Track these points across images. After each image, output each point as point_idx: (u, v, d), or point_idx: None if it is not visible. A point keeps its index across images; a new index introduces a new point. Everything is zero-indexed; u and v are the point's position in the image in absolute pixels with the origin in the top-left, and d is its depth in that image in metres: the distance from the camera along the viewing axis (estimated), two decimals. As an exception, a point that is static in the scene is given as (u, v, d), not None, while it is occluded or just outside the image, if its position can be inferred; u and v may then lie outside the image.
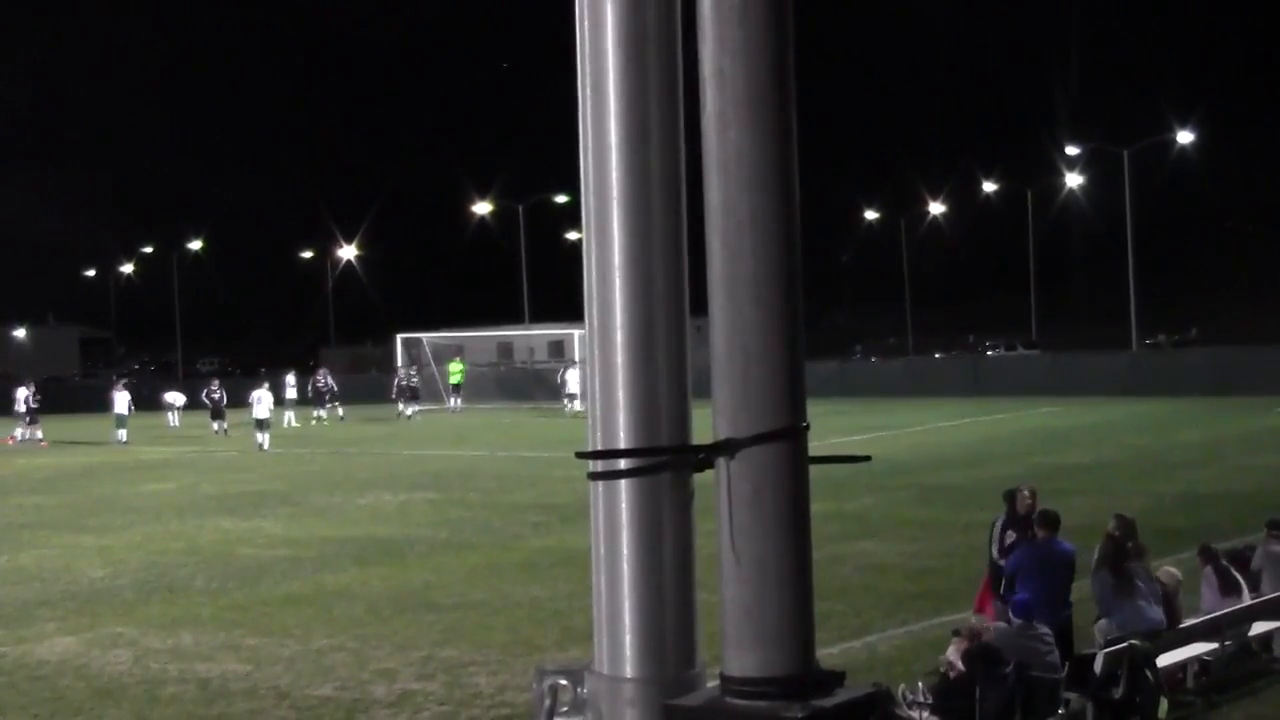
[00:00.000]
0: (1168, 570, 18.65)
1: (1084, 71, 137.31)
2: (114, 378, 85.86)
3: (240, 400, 62.88)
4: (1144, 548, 18.49)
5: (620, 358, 3.31)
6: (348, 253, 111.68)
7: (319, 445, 55.10)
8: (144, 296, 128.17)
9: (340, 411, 67.88)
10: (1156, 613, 16.95)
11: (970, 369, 77.08)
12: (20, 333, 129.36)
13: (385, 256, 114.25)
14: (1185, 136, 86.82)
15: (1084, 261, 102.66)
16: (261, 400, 56.18)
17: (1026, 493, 18.85)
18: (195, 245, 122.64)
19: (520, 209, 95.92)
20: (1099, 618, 17.07)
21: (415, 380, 71.09)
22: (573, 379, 64.59)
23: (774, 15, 3.25)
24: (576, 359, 71.19)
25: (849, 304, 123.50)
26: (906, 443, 46.26)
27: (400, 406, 69.24)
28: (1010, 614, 15.83)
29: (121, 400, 61.25)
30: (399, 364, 74.66)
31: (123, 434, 59.18)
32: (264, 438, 54.81)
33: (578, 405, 62.24)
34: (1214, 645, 17.45)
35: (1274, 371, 62.46)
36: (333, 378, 71.24)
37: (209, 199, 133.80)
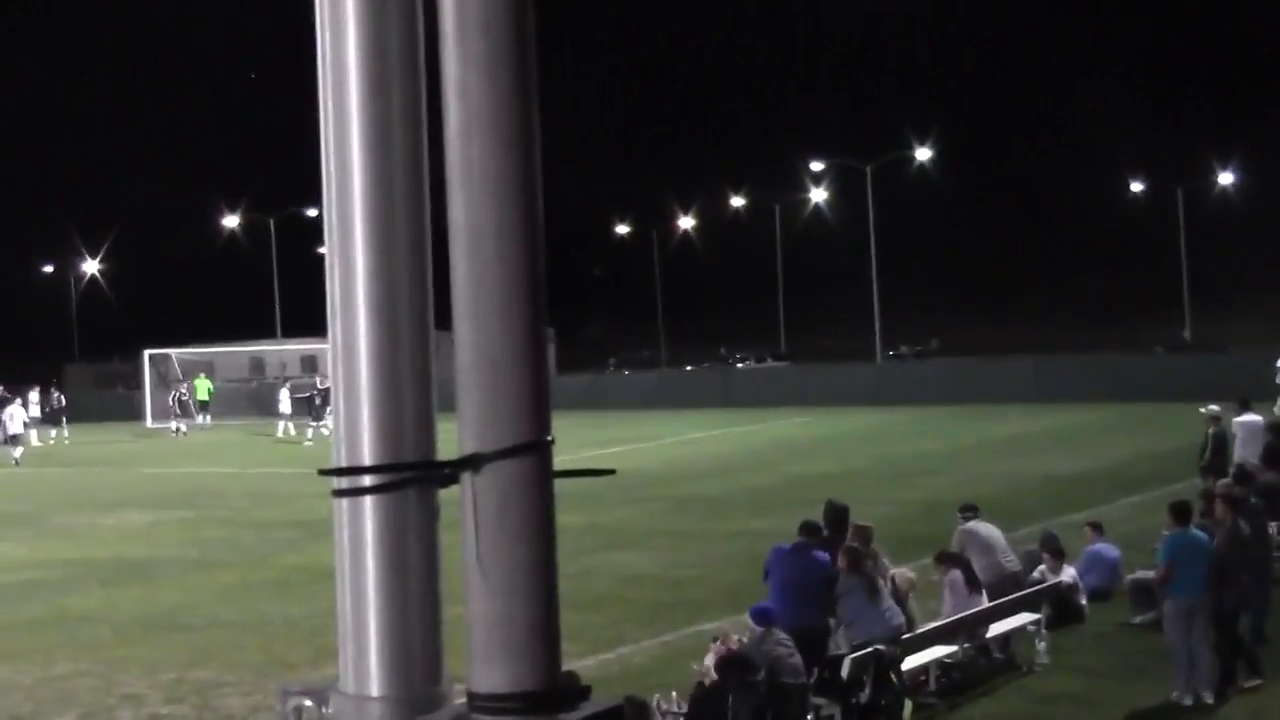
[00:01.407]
0: (902, 573, 19.09)
1: (828, 89, 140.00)
2: None
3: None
4: (876, 553, 18.96)
5: (364, 373, 3.27)
6: (92, 267, 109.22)
7: (64, 464, 53.73)
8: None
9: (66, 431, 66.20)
10: (897, 615, 17.33)
11: (721, 381, 77.92)
12: None
13: (133, 271, 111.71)
14: (923, 154, 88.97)
15: (830, 275, 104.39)
16: (15, 416, 56.07)
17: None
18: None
19: (271, 222, 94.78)
20: (845, 623, 17.36)
21: (186, 396, 69.70)
22: (285, 399, 63.07)
23: (516, 28, 3.24)
24: (286, 378, 70.52)
25: (602, 317, 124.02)
26: (660, 454, 46.61)
27: (173, 423, 67.84)
28: (750, 621, 16.02)
29: None
30: (178, 379, 73.07)
31: None
32: (19, 453, 54.40)
33: (291, 428, 61.47)
34: (954, 648, 17.91)
35: (1008, 381, 64.33)
36: (65, 395, 70.15)
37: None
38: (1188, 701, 16.78)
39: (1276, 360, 48.81)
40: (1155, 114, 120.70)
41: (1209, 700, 16.78)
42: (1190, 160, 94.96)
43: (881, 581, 17.65)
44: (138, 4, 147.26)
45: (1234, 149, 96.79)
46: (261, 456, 53.41)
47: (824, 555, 17.43)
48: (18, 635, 22.47)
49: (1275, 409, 38.73)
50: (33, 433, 60.64)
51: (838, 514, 19.52)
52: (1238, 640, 17.58)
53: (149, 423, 72.07)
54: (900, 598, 18.09)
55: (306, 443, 57.65)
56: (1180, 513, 17.98)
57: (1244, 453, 28.86)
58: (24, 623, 23.46)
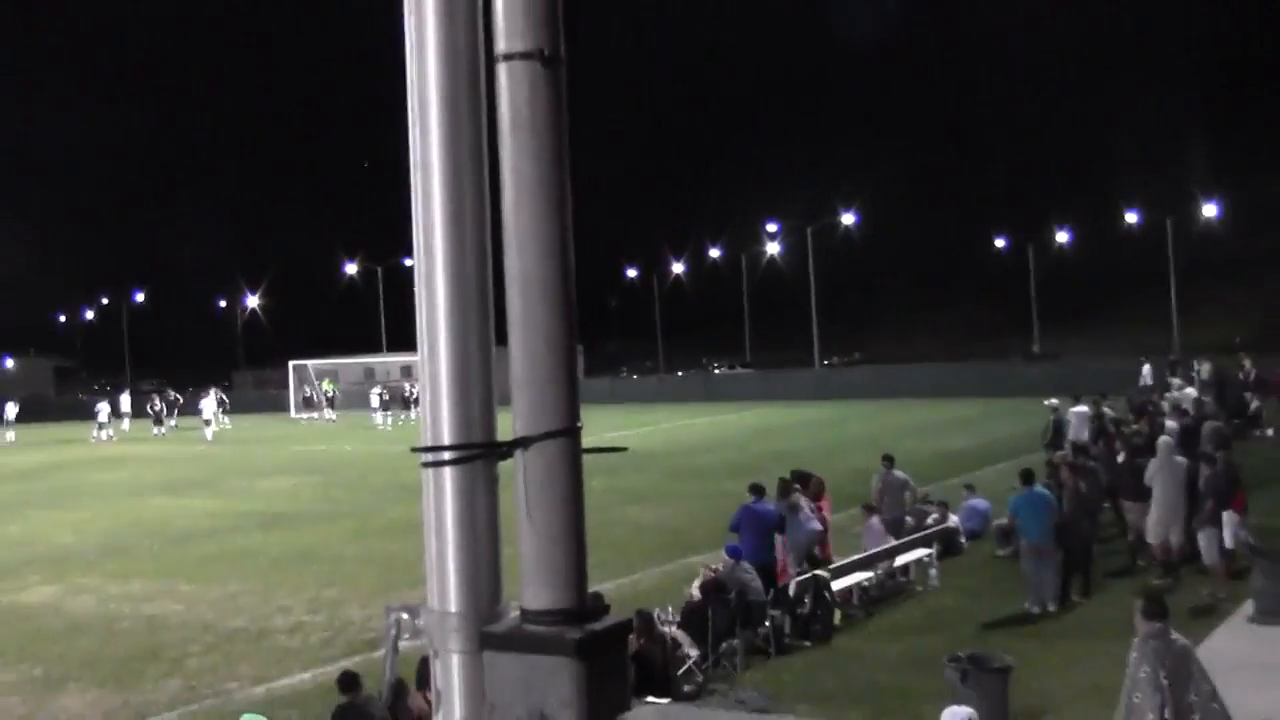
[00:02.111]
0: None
1: (784, 166, 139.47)
2: (100, 391, 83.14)
3: (180, 411, 63.97)
4: (826, 500, 19.19)
5: (444, 378, 3.26)
6: (252, 301, 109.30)
7: (232, 442, 53.68)
8: (101, 334, 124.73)
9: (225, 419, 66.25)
10: (815, 523, 17.51)
11: (704, 383, 77.82)
12: (10, 363, 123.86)
13: (281, 304, 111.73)
14: (849, 219, 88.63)
15: (782, 304, 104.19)
16: (206, 407, 57.47)
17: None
18: (138, 296, 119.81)
19: (379, 269, 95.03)
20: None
21: (313, 393, 70.06)
22: (375, 398, 63.29)
23: (556, 128, 3.26)
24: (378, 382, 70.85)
25: (618, 336, 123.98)
26: (660, 437, 46.55)
27: (324, 413, 68.17)
28: (724, 556, 16.02)
29: (104, 410, 59.63)
30: (317, 381, 73.17)
31: (104, 434, 57.59)
32: (209, 432, 55.48)
33: (379, 419, 61.38)
34: (870, 574, 17.90)
35: (912, 383, 64.24)
36: (230, 394, 71.23)
37: (145, 258, 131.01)
38: (1035, 611, 16.81)
39: (1141, 369, 47.82)
40: (1013, 194, 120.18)
41: (1051, 609, 16.81)
42: (1037, 219, 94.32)
43: (801, 502, 17.84)
44: (293, 117, 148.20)
45: (1071, 212, 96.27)
46: (371, 438, 53.40)
47: (769, 508, 17.39)
48: (202, 565, 22.51)
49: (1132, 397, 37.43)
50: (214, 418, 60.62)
51: (801, 477, 19.67)
52: (1075, 568, 17.59)
53: (292, 414, 72.07)
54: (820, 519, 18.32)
55: (380, 427, 58.03)
56: (1026, 477, 18.00)
57: (1076, 434, 28.86)
58: (207, 555, 23.49)
